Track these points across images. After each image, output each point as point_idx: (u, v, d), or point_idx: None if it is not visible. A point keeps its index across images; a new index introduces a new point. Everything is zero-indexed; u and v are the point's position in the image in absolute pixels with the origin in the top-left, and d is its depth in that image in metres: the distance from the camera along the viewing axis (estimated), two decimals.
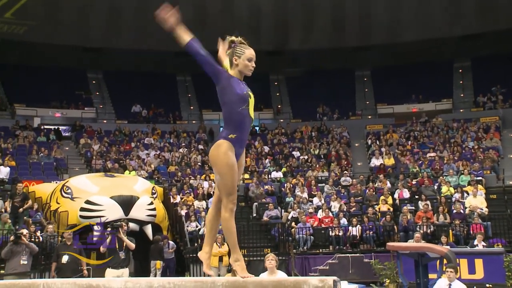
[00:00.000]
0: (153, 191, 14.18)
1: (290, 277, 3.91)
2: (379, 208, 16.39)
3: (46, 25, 25.53)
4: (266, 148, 22.86)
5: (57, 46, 25.53)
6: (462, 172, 18.24)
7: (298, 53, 27.92)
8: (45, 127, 23.97)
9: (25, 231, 9.92)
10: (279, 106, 28.40)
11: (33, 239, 11.41)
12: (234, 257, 3.63)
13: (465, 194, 16.46)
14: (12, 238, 9.86)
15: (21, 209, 13.74)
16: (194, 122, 26.77)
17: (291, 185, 18.28)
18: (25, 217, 13.56)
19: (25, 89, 25.48)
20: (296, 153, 22.18)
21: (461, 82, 28.30)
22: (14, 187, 15.89)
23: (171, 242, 13.78)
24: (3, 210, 14.05)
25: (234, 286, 3.30)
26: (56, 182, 15.62)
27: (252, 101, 3.75)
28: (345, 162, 21.01)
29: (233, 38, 3.81)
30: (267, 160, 21.46)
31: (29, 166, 19.05)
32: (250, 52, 3.80)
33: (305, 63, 27.97)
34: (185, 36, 3.71)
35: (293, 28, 28.08)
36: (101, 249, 10.00)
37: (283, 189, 18.63)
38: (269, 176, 19.82)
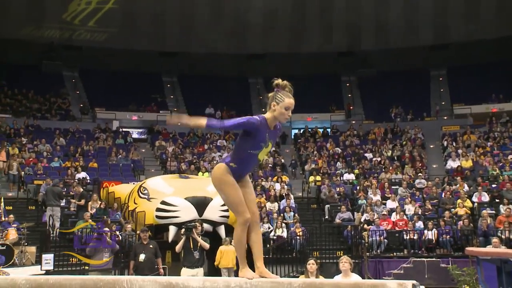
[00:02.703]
0: None
1: (367, 280, 3.87)
2: (456, 212, 15.82)
3: (124, 32, 26.66)
4: (338, 150, 22.64)
5: (134, 52, 26.59)
6: None
7: (370, 54, 27.47)
8: (123, 129, 24.96)
9: (106, 229, 10.37)
10: (351, 108, 28.05)
11: (112, 238, 11.90)
12: (241, 268, 3.74)
13: None
14: (95, 235, 10.35)
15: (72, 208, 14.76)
16: None
17: (364, 187, 18.00)
18: (104, 217, 14.18)
19: (104, 93, 26.67)
20: (369, 155, 21.82)
21: None
22: (95, 188, 16.73)
23: None
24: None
25: (310, 287, 3.30)
26: (134, 183, 16.18)
27: (267, 149, 3.89)
28: (420, 164, 20.45)
29: (279, 81, 3.87)
30: (339, 162, 21.25)
31: (108, 167, 19.90)
32: (289, 101, 3.88)
33: (377, 64, 27.47)
34: (199, 121, 3.83)
35: (365, 28, 27.68)
36: (176, 248, 10.28)
37: (355, 191, 18.38)
38: (341, 178, 19.62)
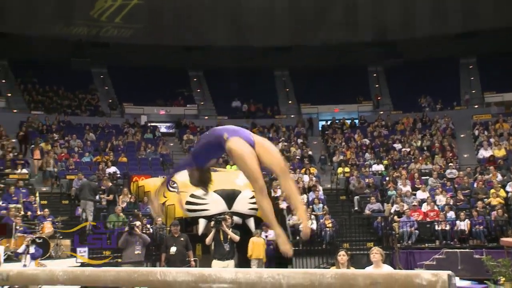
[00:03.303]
0: None
1: (400, 270, 3.82)
2: (489, 202, 15.54)
3: (150, 27, 26.85)
4: (366, 141, 22.45)
5: (160, 47, 26.75)
6: None
7: (398, 43, 27.08)
8: (151, 124, 25.20)
9: (138, 223, 10.52)
10: (379, 98, 27.75)
11: (144, 231, 12.06)
12: (276, 233, 3.73)
13: None
14: (126, 229, 10.52)
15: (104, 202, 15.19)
16: (292, 116, 26.88)
17: (393, 178, 17.82)
18: (135, 210, 14.39)
19: (132, 88, 26.96)
20: (398, 146, 21.59)
21: None
22: (125, 182, 16.96)
23: (270, 231, 13.87)
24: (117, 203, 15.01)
25: (343, 278, 3.28)
26: (163, 177, 16.34)
27: None
28: (450, 154, 20.14)
29: None
30: (367, 153, 21.08)
31: (137, 161, 20.13)
32: None
33: (405, 53, 27.08)
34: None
35: (392, 17, 27.30)
36: (206, 241, 10.36)
37: (384, 182, 18.22)
38: (370, 169, 19.46)
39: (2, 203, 14.20)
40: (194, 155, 3.96)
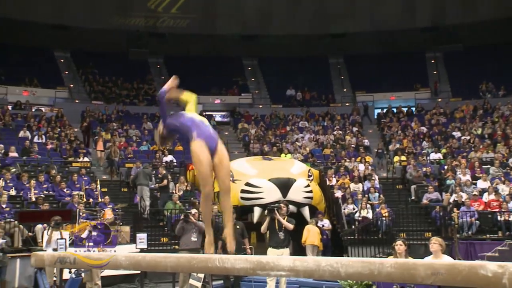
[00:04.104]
0: (309, 173, 14.39)
1: (463, 261, 3.71)
2: None
3: (205, 17, 27.09)
4: (424, 129, 21.90)
5: (215, 36, 26.96)
6: None
7: (457, 28, 26.14)
8: (206, 113, 25.45)
9: (193, 211, 10.69)
10: (437, 85, 26.96)
11: (200, 219, 12.25)
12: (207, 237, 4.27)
13: None
14: (182, 216, 10.73)
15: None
16: (347, 104, 26.54)
17: (452, 167, 17.32)
18: (192, 198, 14.64)
19: (187, 78, 27.20)
20: (457, 134, 20.96)
21: None
22: (182, 170, 17.26)
23: (325, 220, 13.82)
24: (173, 191, 15.30)
25: (403, 267, 3.23)
26: None
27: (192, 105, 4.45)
28: None
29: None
30: (424, 142, 20.58)
31: None
32: None
33: (465, 38, 26.12)
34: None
35: (451, 0, 26.37)
36: (262, 229, 10.42)
37: (443, 171, 17.74)
38: (428, 158, 19.00)
39: (66, 190, 14.78)
40: (168, 124, 4.35)
